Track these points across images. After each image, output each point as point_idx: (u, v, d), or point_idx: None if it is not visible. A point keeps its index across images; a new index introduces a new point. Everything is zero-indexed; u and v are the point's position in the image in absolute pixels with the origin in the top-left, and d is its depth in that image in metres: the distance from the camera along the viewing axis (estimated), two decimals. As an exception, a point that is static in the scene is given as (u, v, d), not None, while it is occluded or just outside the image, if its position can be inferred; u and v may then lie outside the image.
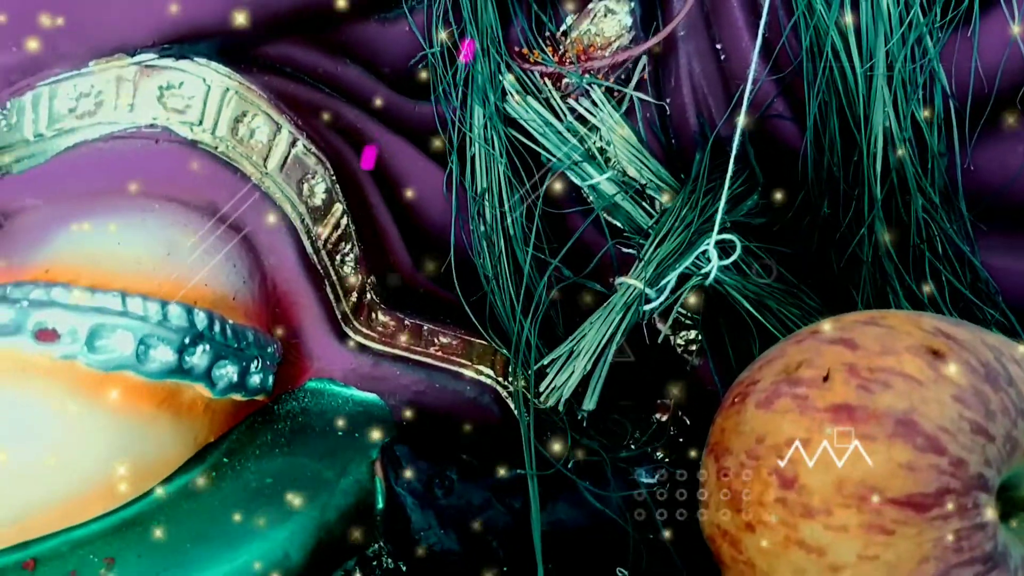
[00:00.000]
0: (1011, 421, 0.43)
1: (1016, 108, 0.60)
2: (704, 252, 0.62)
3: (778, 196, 0.60)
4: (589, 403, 0.55)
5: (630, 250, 0.62)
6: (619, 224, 0.65)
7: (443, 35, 0.59)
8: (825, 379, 0.45)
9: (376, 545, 0.50)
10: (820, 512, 0.42)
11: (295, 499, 0.48)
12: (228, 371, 0.47)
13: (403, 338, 0.57)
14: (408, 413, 0.55)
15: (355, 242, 0.55)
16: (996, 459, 0.43)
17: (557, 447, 0.55)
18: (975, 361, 0.44)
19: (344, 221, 0.53)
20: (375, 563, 0.50)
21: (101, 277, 0.43)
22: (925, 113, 0.62)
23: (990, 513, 0.42)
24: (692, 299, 0.63)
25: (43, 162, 0.49)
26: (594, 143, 0.64)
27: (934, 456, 0.42)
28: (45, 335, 0.42)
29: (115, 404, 0.43)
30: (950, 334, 0.45)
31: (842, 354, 0.45)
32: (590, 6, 0.70)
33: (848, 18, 0.62)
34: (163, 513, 0.44)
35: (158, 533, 0.44)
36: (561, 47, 0.69)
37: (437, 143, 0.63)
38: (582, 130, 0.63)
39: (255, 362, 0.49)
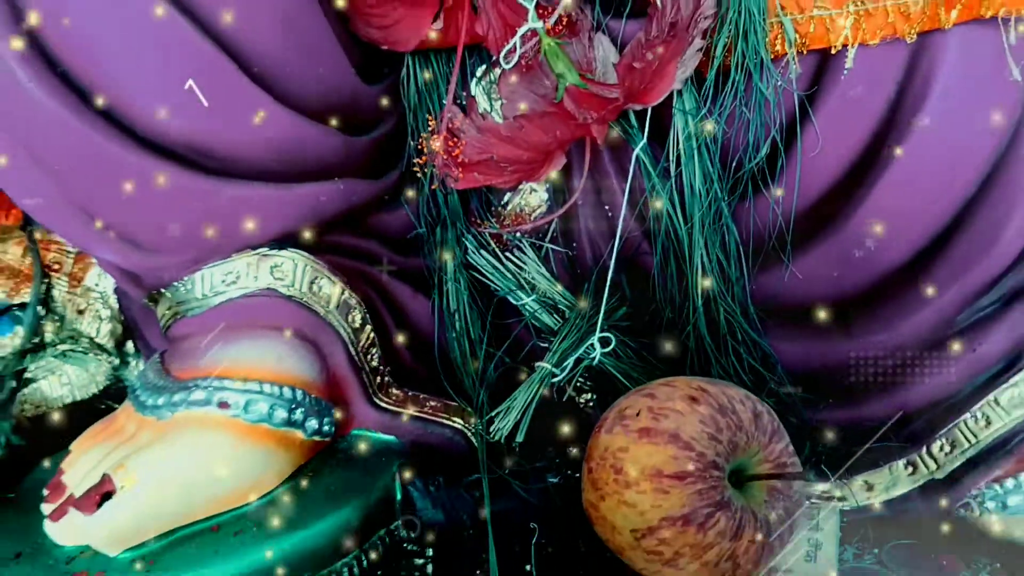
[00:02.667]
0: (732, 433, 0.78)
1: (778, 249, 0.96)
2: (591, 344, 0.98)
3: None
4: (519, 437, 0.91)
5: (545, 344, 0.98)
6: (540, 326, 1.01)
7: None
8: (637, 415, 0.81)
9: (396, 521, 0.85)
10: (633, 485, 0.77)
11: (350, 495, 0.83)
12: (312, 424, 0.82)
13: (408, 403, 0.93)
14: (412, 447, 0.91)
15: (378, 347, 0.91)
16: (724, 453, 0.78)
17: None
18: (715, 403, 0.79)
19: (372, 336, 0.89)
20: (395, 532, 0.85)
21: (248, 373, 0.79)
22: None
23: (720, 481, 0.77)
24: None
25: (205, 311, 0.85)
26: (524, 278, 1.01)
27: (688, 452, 0.77)
28: (223, 405, 0.77)
29: (258, 442, 0.79)
30: (704, 388, 0.80)
31: (647, 401, 0.81)
32: (520, 187, 1.07)
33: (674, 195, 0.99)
34: (280, 502, 0.80)
35: (279, 510, 0.79)
36: (502, 216, 1.06)
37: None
38: (514, 270, 0.99)
39: (325, 419, 0.84)
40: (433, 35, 0.91)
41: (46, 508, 0.77)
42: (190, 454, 0.75)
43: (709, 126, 0.91)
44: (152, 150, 0.76)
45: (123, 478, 0.73)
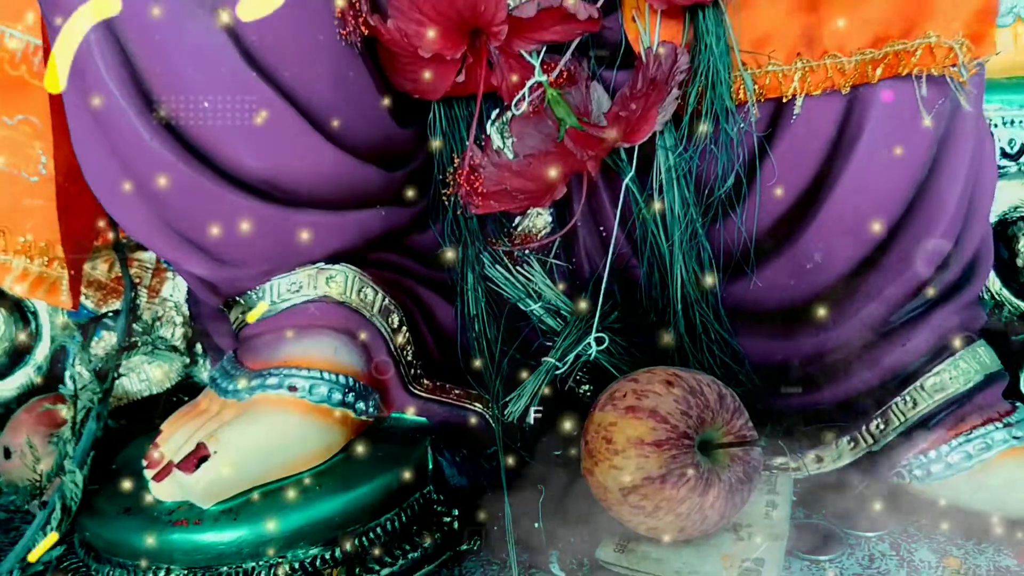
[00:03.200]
0: (700, 410, 0.96)
1: (743, 263, 1.15)
2: (588, 343, 1.16)
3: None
4: (529, 419, 1.09)
5: (549, 343, 1.17)
6: (545, 328, 1.19)
7: (450, 254, 1.15)
8: (624, 396, 0.99)
9: (429, 486, 1.04)
10: (620, 452, 0.95)
11: (391, 464, 1.01)
12: (360, 405, 1.01)
13: (436, 391, 1.11)
14: (440, 426, 1.09)
15: (412, 345, 1.09)
16: (693, 426, 0.96)
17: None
18: (686, 385, 0.97)
19: (407, 335, 1.08)
20: (427, 494, 1.03)
21: (310, 363, 0.98)
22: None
23: (691, 448, 0.95)
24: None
25: (274, 314, 1.04)
26: (531, 287, 1.19)
27: (665, 425, 0.95)
28: (292, 388, 0.96)
29: (319, 418, 0.97)
30: (678, 374, 0.99)
31: (632, 385, 0.99)
32: (528, 211, 1.26)
33: (657, 218, 1.18)
34: (337, 467, 0.98)
35: (335, 474, 0.98)
36: (513, 236, 1.25)
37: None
38: (523, 281, 1.18)
39: (371, 401, 1.03)
40: (456, 83, 1.10)
41: (149, 473, 0.96)
42: (267, 427, 0.94)
43: (703, 127, 1.09)
44: (236, 185, 0.95)
45: (214, 445, 0.91)
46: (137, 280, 1.20)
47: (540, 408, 1.08)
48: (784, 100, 1.04)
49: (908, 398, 1.05)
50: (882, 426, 1.06)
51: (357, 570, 0.93)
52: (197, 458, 0.91)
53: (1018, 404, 1.07)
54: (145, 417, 1.17)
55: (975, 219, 1.08)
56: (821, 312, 1.09)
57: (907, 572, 0.95)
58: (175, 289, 1.21)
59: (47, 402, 1.11)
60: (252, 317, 1.01)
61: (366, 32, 1.01)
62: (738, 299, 1.13)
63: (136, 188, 0.96)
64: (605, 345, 1.13)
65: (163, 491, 0.93)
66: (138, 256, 1.21)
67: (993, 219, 1.22)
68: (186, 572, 0.90)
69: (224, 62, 0.92)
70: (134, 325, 1.16)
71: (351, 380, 0.99)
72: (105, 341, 1.18)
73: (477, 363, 1.13)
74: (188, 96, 0.92)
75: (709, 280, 1.12)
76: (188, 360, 1.21)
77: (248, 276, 1.01)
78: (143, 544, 0.90)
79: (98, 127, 0.94)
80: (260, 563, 0.91)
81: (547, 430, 1.09)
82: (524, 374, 1.11)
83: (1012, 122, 1.24)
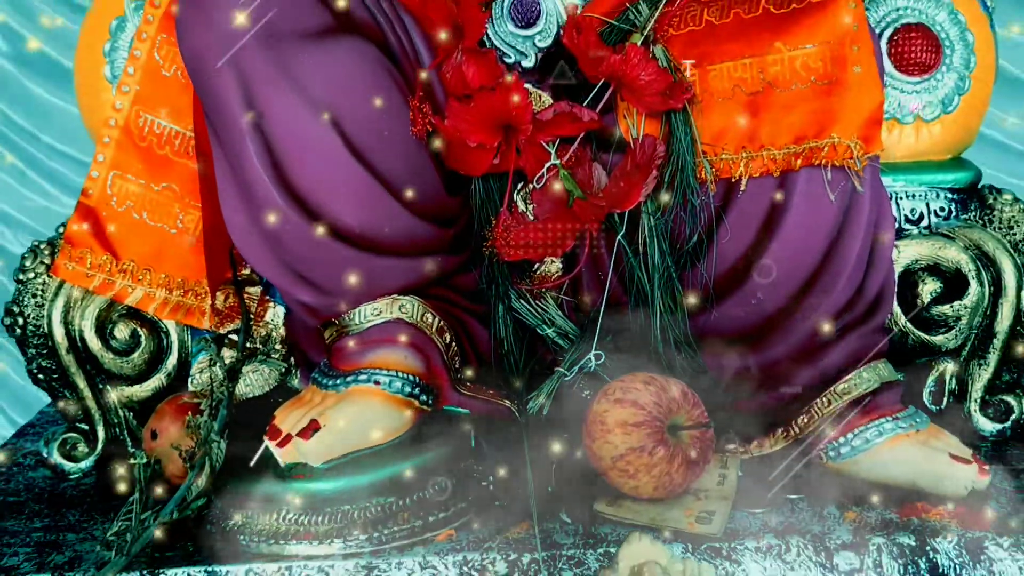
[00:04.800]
0: (668, 402, 1.33)
1: (704, 300, 1.52)
2: (590, 358, 1.54)
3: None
4: (545, 411, 1.47)
5: (560, 358, 1.54)
6: (558, 348, 1.57)
7: (486, 291, 1.54)
8: (614, 391, 1.37)
9: (469, 460, 1.41)
10: (610, 431, 1.32)
11: (442, 442, 1.38)
12: (423, 397, 1.37)
13: (475, 391, 1.48)
14: (480, 417, 1.46)
15: (458, 356, 1.46)
16: (663, 414, 1.34)
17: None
18: (659, 385, 1.33)
19: (455, 349, 1.43)
20: (467, 466, 1.40)
21: (389, 366, 1.35)
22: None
23: (661, 429, 1.32)
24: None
25: (360, 331, 1.41)
26: (547, 317, 1.57)
27: (643, 411, 1.30)
28: (376, 383, 1.32)
29: (395, 405, 1.34)
30: (653, 377, 1.35)
31: (620, 384, 1.35)
32: (545, 259, 1.64)
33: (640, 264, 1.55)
34: (406, 440, 1.36)
35: (403, 447, 1.35)
36: (533, 277, 1.63)
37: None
38: (541, 312, 1.56)
39: (430, 396, 1.39)
40: (493, 164, 1.49)
41: (271, 443, 1.33)
42: (358, 409, 1.31)
43: (670, 198, 1.46)
44: (338, 237, 1.34)
45: (323, 420, 1.29)
46: (248, 307, 1.58)
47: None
48: (733, 180, 1.42)
49: (825, 399, 1.41)
50: (806, 420, 1.42)
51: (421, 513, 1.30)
52: (311, 430, 1.29)
53: (910, 406, 1.44)
54: (249, 412, 1.54)
55: (875, 269, 1.45)
56: (763, 336, 1.46)
57: (819, 521, 1.32)
58: (274, 315, 1.60)
59: (184, 397, 1.48)
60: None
61: (430, 129, 1.41)
62: (701, 326, 1.47)
63: (264, 237, 1.34)
64: (602, 360, 1.50)
65: (285, 454, 1.30)
66: (249, 290, 1.59)
67: (900, 268, 1.60)
68: (303, 512, 1.27)
69: (333, 150, 1.31)
70: (247, 342, 1.54)
71: (417, 379, 1.36)
72: (226, 352, 1.56)
73: (505, 371, 1.51)
74: (308, 172, 1.31)
75: (680, 311, 1.49)
76: (284, 368, 1.59)
77: (343, 303, 1.39)
78: (272, 491, 1.28)
79: (242, 192, 1.32)
80: (353, 506, 1.28)
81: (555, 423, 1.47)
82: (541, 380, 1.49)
83: (913, 196, 1.62)
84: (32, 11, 3.01)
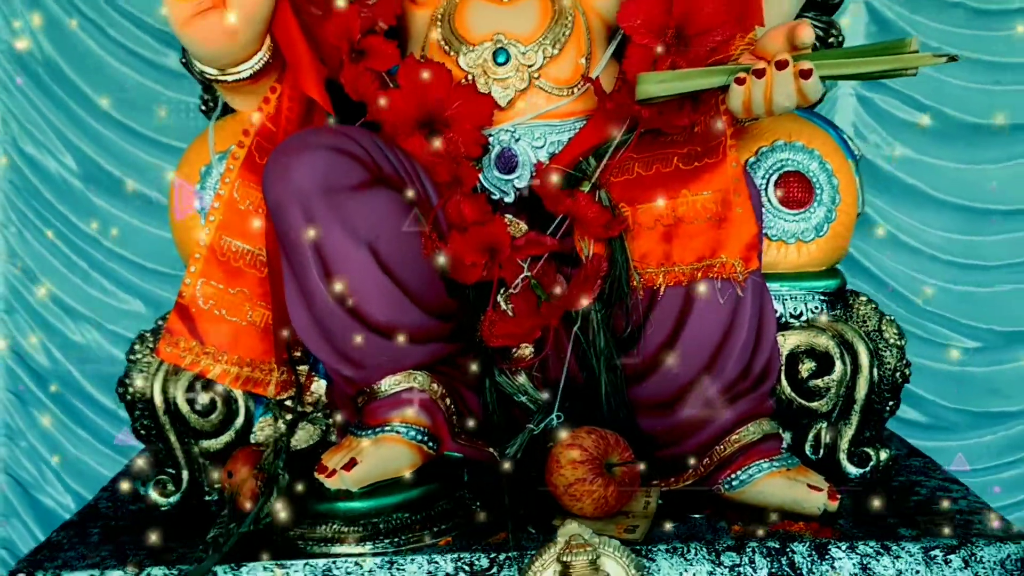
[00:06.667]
0: (605, 445, 1.83)
1: (634, 378, 2.06)
2: (552, 417, 2.06)
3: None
4: (518, 454, 1.99)
5: (531, 417, 2.07)
6: (529, 408, 2.09)
7: (476, 368, 2.09)
8: (568, 440, 1.89)
9: (463, 491, 1.93)
10: (564, 467, 1.82)
11: (441, 476, 1.91)
12: (431, 444, 1.88)
13: (468, 440, 2.00)
14: (470, 460, 1.99)
15: (455, 415, 1.97)
16: (600, 455, 1.85)
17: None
18: (600, 434, 1.84)
19: (453, 409, 1.95)
20: (461, 495, 1.92)
21: (406, 420, 1.89)
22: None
23: (600, 465, 1.85)
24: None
25: (385, 397, 1.94)
26: (520, 388, 2.10)
27: (586, 453, 1.81)
28: (397, 433, 1.86)
29: (411, 450, 1.86)
30: (596, 429, 1.87)
31: (572, 435, 1.89)
32: (520, 344, 2.19)
33: (590, 350, 2.10)
34: (412, 476, 1.88)
35: (412, 479, 1.87)
36: (511, 358, 2.16)
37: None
38: (517, 384, 2.09)
39: (435, 444, 1.92)
40: (481, 275, 2.04)
41: (321, 476, 1.85)
42: (386, 451, 1.82)
43: (602, 303, 2.03)
44: (370, 328, 1.88)
45: (359, 458, 1.82)
46: (300, 380, 2.13)
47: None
48: (655, 288, 1.94)
49: (723, 446, 1.93)
50: (708, 462, 1.96)
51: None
52: (351, 465, 1.82)
53: (784, 451, 1.98)
54: (300, 459, 2.07)
55: (760, 351, 1.99)
56: (677, 401, 2.00)
57: (712, 531, 1.84)
58: (319, 387, 2.14)
59: (252, 447, 2.02)
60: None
61: (437, 251, 1.97)
62: (634, 394, 2.00)
63: (320, 329, 1.89)
64: (562, 420, 2.03)
65: (332, 483, 1.82)
66: (299, 368, 2.14)
67: (786, 352, 2.14)
68: (344, 524, 1.80)
69: (369, 268, 1.86)
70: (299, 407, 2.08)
71: (426, 430, 1.88)
72: (276, 418, 2.10)
73: (491, 427, 2.04)
74: (351, 284, 1.86)
75: (619, 383, 2.03)
76: (325, 427, 2.12)
77: (374, 375, 1.92)
78: (322, 509, 1.80)
79: (304, 298, 1.87)
80: (380, 519, 1.81)
81: (525, 464, 1.99)
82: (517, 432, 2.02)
83: (795, 298, 2.15)
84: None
